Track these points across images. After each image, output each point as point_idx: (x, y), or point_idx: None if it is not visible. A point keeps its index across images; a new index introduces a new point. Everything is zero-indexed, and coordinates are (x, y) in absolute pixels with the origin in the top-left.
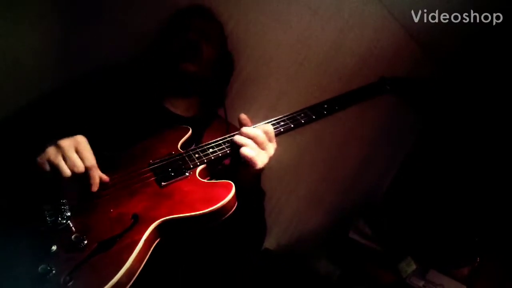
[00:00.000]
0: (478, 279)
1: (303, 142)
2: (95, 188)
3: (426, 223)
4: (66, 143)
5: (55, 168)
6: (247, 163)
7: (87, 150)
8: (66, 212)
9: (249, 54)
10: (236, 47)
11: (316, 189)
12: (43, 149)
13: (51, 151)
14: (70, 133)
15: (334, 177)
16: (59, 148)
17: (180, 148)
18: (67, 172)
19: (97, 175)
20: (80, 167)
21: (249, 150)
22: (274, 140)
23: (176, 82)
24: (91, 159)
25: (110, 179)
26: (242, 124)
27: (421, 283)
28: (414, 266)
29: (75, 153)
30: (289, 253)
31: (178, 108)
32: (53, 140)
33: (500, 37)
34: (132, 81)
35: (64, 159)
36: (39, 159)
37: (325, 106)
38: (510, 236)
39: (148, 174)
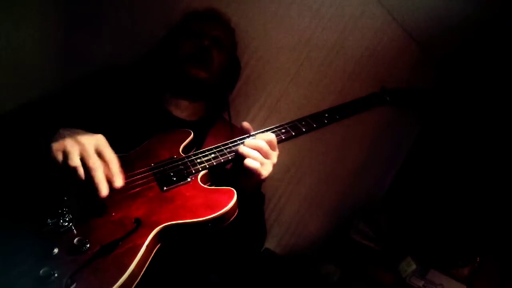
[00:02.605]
0: (478, 279)
1: (304, 143)
2: (119, 183)
3: (426, 223)
4: (87, 141)
5: (67, 165)
6: (252, 173)
7: (110, 151)
8: (68, 215)
9: (250, 55)
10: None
11: (316, 189)
12: (56, 137)
13: (68, 143)
14: None
15: (334, 178)
16: (79, 144)
17: (182, 152)
18: (81, 173)
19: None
20: (98, 168)
21: (254, 161)
22: (276, 148)
23: (184, 86)
24: (114, 161)
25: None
26: (244, 131)
27: (421, 283)
28: (414, 266)
29: (95, 153)
30: (289, 253)
31: (183, 112)
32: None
33: (500, 37)
34: (134, 82)
35: (83, 156)
36: (54, 146)
37: (326, 115)
38: (510, 236)
39: (149, 178)
